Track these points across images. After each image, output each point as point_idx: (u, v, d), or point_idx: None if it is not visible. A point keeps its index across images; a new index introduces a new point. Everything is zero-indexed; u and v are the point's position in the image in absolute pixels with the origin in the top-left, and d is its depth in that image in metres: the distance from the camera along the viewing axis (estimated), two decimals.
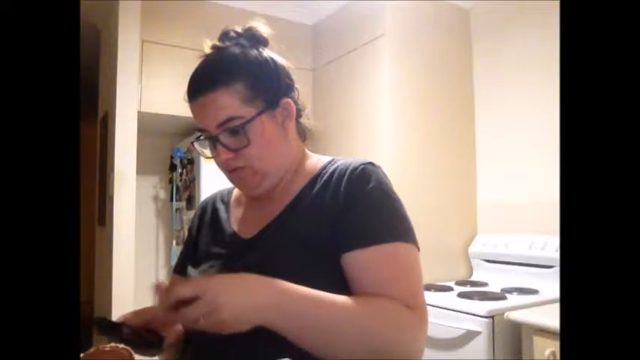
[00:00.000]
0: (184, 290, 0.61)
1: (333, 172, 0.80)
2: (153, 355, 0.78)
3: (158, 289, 0.64)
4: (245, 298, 0.62)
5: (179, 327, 0.83)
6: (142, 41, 2.28)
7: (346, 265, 0.73)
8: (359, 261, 0.73)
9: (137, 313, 0.80)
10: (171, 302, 0.61)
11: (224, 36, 0.83)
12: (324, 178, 0.80)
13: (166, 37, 2.35)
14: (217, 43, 0.83)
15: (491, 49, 2.46)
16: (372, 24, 2.36)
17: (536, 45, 2.22)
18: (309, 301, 0.66)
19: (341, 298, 0.68)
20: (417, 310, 0.71)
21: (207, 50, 0.82)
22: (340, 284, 0.73)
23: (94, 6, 2.33)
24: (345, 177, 0.77)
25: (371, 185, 0.76)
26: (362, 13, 2.43)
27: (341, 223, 0.74)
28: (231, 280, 0.65)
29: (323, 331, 0.66)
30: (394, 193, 0.79)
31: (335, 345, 0.66)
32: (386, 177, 0.80)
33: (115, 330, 0.72)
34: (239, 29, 0.83)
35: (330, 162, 0.84)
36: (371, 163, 0.80)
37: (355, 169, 0.78)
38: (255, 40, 0.82)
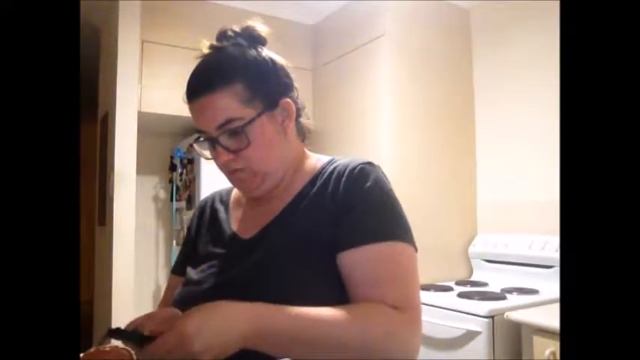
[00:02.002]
0: (159, 346, 0.60)
1: (332, 171, 0.80)
2: None
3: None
4: (221, 334, 0.61)
5: None
6: (142, 41, 2.28)
7: (342, 264, 0.73)
8: (354, 259, 0.72)
9: (149, 316, 0.77)
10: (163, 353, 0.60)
11: (222, 36, 0.82)
12: (324, 177, 0.80)
13: (166, 37, 2.35)
14: (215, 43, 0.82)
15: (492, 49, 2.46)
16: (372, 24, 2.36)
17: (536, 45, 2.22)
18: (290, 319, 0.65)
19: (324, 312, 0.67)
20: (409, 310, 0.71)
21: (205, 50, 0.81)
22: (340, 284, 0.73)
23: (94, 6, 2.33)
24: (344, 176, 0.78)
25: (368, 184, 0.76)
26: (362, 13, 2.43)
27: (339, 222, 0.74)
28: (204, 315, 0.62)
29: (306, 346, 0.65)
30: (392, 192, 0.79)
31: (320, 358, 0.65)
32: (384, 176, 0.80)
33: (133, 337, 0.71)
34: (237, 28, 0.82)
35: (329, 162, 0.84)
36: (369, 163, 0.80)
37: (354, 168, 0.78)
38: (254, 39, 0.82)
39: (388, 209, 0.77)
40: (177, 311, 0.76)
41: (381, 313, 0.69)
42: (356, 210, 0.74)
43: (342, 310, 0.68)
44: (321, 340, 0.65)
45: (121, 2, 2.18)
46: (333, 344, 0.66)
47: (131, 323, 0.72)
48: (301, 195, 0.81)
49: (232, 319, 0.62)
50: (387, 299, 0.70)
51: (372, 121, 2.34)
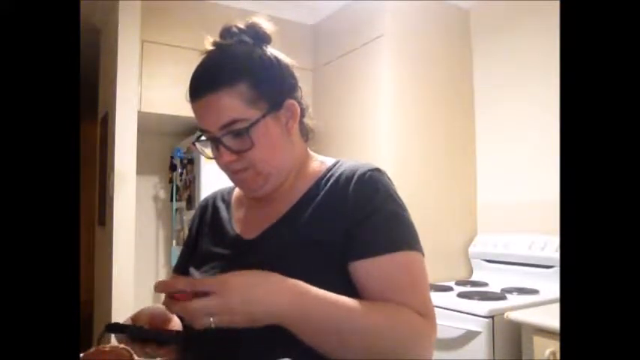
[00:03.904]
0: (200, 284, 0.63)
1: (340, 175, 0.79)
2: (160, 352, 0.77)
3: (173, 281, 0.65)
4: (261, 304, 0.63)
5: (178, 324, 0.83)
6: (142, 41, 2.28)
7: (357, 273, 0.73)
8: (370, 269, 0.72)
9: (140, 314, 0.79)
10: (183, 291, 0.62)
11: (226, 32, 0.81)
12: (330, 181, 0.80)
13: (166, 37, 2.35)
14: (219, 40, 0.81)
15: (492, 49, 2.46)
16: (372, 24, 2.36)
17: (536, 45, 2.22)
18: (327, 305, 0.67)
19: (357, 303, 0.69)
20: (428, 317, 0.72)
21: (209, 47, 0.80)
22: (342, 287, 0.73)
23: (94, 6, 2.34)
24: (353, 183, 0.77)
25: (380, 193, 0.76)
26: (362, 13, 2.43)
27: (349, 230, 0.74)
28: (251, 280, 0.65)
29: (337, 334, 0.66)
30: (401, 200, 0.79)
31: (348, 348, 0.67)
32: (391, 183, 0.80)
33: (131, 331, 0.71)
34: (241, 25, 0.81)
35: (334, 165, 0.84)
36: (377, 169, 0.80)
37: (363, 174, 0.77)
38: (259, 37, 0.81)
39: (399, 218, 0.77)
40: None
41: (407, 314, 0.70)
42: (369, 219, 0.74)
43: (371, 305, 0.70)
44: (353, 327, 0.67)
45: (121, 2, 2.18)
46: (363, 333, 0.67)
47: (125, 321, 0.72)
48: (306, 197, 0.80)
49: (276, 292, 0.64)
50: (412, 307, 0.71)
51: (372, 121, 2.34)
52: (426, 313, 0.72)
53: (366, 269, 0.73)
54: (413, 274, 0.74)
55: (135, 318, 0.79)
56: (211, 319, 0.61)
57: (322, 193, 0.79)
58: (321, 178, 0.81)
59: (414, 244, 0.75)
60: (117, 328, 0.71)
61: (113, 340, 0.75)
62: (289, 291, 0.65)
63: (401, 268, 0.73)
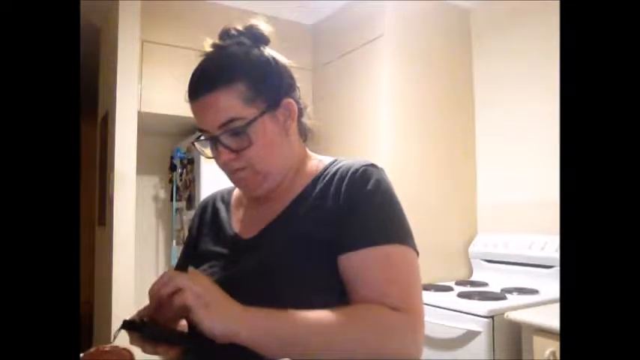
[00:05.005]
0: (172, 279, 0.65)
1: (335, 173, 0.80)
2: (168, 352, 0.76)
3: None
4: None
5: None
6: (142, 41, 2.28)
7: (342, 266, 0.73)
8: (354, 262, 0.72)
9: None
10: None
11: (225, 34, 0.82)
12: (326, 178, 0.80)
13: (166, 37, 2.35)
14: (218, 42, 0.82)
15: (492, 49, 2.46)
16: (372, 24, 2.36)
17: (537, 45, 2.22)
18: (281, 322, 0.66)
19: (319, 314, 0.67)
20: (410, 313, 0.70)
21: (208, 49, 0.81)
22: (341, 286, 0.73)
23: (94, 6, 2.33)
24: (346, 178, 0.77)
25: (370, 187, 0.76)
26: (362, 13, 2.43)
27: (340, 224, 0.74)
28: (215, 288, 0.67)
29: (300, 350, 0.65)
30: (394, 195, 0.79)
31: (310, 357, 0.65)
32: (387, 179, 0.80)
33: (149, 330, 0.70)
34: (240, 27, 0.82)
35: (332, 163, 0.84)
36: (372, 165, 0.80)
37: (356, 170, 0.78)
38: (257, 38, 0.82)
39: (390, 212, 0.76)
40: None
41: (379, 315, 0.69)
42: (357, 212, 0.74)
43: (339, 312, 0.68)
44: (316, 342, 0.65)
45: (121, 2, 2.18)
46: (327, 346, 0.66)
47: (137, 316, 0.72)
48: (303, 196, 0.81)
49: (229, 309, 0.65)
50: (388, 302, 0.69)
51: (372, 121, 2.34)
52: (405, 308, 0.70)
53: (351, 262, 0.72)
54: (395, 267, 0.72)
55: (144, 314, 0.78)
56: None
57: (317, 191, 0.79)
58: (318, 177, 0.82)
59: (402, 238, 0.74)
60: (134, 325, 0.70)
61: (119, 338, 0.75)
62: (238, 308, 0.65)
63: (383, 261, 0.72)
